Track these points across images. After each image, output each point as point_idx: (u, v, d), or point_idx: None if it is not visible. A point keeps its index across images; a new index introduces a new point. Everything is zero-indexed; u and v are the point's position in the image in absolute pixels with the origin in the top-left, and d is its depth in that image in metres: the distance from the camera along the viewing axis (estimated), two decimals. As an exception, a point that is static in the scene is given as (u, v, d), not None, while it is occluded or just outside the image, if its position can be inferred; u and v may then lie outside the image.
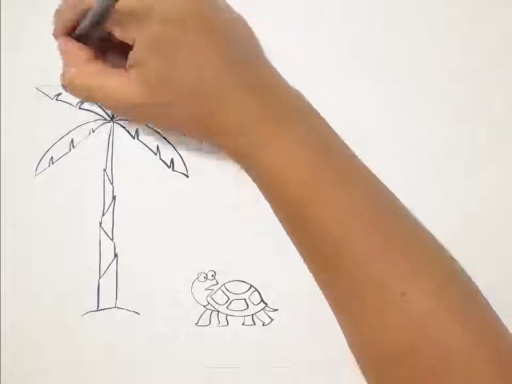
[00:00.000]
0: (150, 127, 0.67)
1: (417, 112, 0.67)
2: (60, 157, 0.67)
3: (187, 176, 0.67)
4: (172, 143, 0.67)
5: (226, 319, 0.65)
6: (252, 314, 0.65)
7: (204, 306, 0.65)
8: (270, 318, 0.65)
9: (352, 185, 0.49)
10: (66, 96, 0.67)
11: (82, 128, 0.68)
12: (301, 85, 0.63)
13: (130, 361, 0.64)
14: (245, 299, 0.65)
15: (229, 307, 0.65)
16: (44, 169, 0.67)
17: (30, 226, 0.66)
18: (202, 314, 0.65)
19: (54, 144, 0.67)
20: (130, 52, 0.46)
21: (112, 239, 0.66)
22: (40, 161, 0.67)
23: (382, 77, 0.68)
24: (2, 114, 0.67)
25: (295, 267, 0.63)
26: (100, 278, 0.66)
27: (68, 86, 0.48)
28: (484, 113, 0.67)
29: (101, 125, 0.68)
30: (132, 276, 0.66)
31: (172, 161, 0.67)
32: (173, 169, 0.67)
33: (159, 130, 0.67)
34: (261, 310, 0.65)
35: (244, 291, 0.65)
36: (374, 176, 0.55)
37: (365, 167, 0.53)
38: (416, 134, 0.67)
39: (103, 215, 0.66)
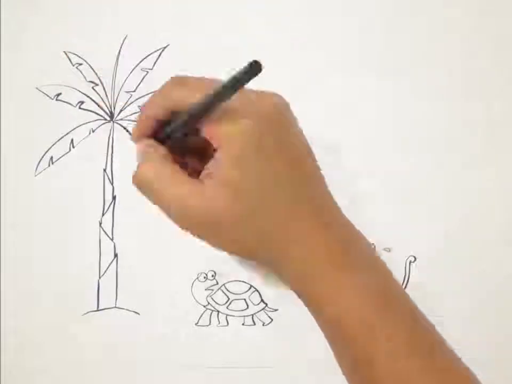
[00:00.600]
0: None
1: (417, 109, 0.67)
2: (60, 157, 0.67)
3: (187, 176, 0.67)
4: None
5: (226, 319, 0.65)
6: (252, 314, 0.65)
7: (204, 306, 0.65)
8: (270, 318, 0.65)
9: (414, 341, 0.45)
10: (66, 96, 0.67)
11: (82, 128, 0.68)
12: (301, 85, 0.63)
13: (130, 361, 0.64)
14: (245, 299, 0.65)
15: (229, 307, 0.65)
16: (44, 169, 0.67)
17: (30, 226, 0.66)
18: (202, 314, 0.65)
19: (54, 144, 0.67)
20: (211, 161, 0.43)
21: (112, 239, 0.66)
22: (40, 161, 0.67)
23: (382, 75, 0.68)
24: (2, 114, 0.67)
25: (295, 267, 0.63)
26: (99, 278, 0.66)
27: (137, 181, 0.46)
28: (483, 111, 0.67)
29: (101, 125, 0.68)
30: (132, 276, 0.66)
31: (172, 161, 0.67)
32: (173, 169, 0.67)
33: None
34: (261, 310, 0.65)
35: (244, 291, 0.65)
36: (435, 333, 0.51)
37: (424, 318, 0.49)
38: (416, 130, 0.67)
39: (103, 215, 0.66)
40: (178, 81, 0.46)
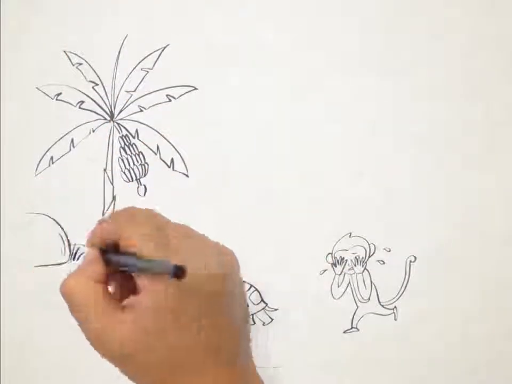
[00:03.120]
0: (151, 127, 0.67)
1: (417, 109, 0.67)
2: (60, 157, 0.67)
3: (187, 176, 0.67)
4: (172, 143, 0.67)
5: (226, 319, 0.65)
6: (252, 314, 0.65)
7: (204, 306, 0.65)
8: (270, 317, 0.65)
9: None
10: (66, 96, 0.67)
11: (82, 128, 0.67)
12: (301, 85, 0.63)
13: (130, 361, 0.64)
14: (245, 299, 0.65)
15: (229, 307, 0.65)
16: (44, 169, 0.67)
17: (30, 226, 0.66)
18: (202, 314, 0.65)
19: (54, 144, 0.67)
20: (136, 295, 0.45)
21: (112, 239, 0.66)
22: (40, 161, 0.67)
23: (382, 75, 0.68)
24: (2, 114, 0.67)
25: (296, 267, 0.63)
26: (100, 278, 0.66)
27: (61, 289, 0.47)
28: (483, 111, 0.67)
29: (101, 125, 0.68)
30: (132, 276, 0.66)
31: (172, 161, 0.67)
32: (173, 169, 0.67)
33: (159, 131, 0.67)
34: (261, 310, 0.65)
35: (244, 291, 0.65)
36: None
37: None
38: (416, 130, 0.67)
39: (103, 215, 0.66)
40: (131, 216, 0.48)
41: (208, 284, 0.44)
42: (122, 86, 0.69)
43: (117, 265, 0.45)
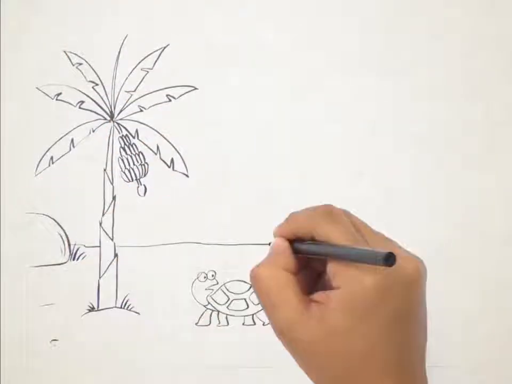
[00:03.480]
0: (151, 127, 0.67)
1: (417, 109, 0.67)
2: (60, 157, 0.67)
3: (187, 176, 0.67)
4: (172, 143, 0.67)
5: (226, 319, 0.65)
6: (252, 314, 0.65)
7: (204, 306, 0.65)
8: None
9: None
10: (66, 95, 0.67)
11: (82, 128, 0.67)
12: (301, 85, 0.63)
13: (130, 361, 0.64)
14: (245, 299, 0.65)
15: (229, 307, 0.65)
16: (44, 169, 0.67)
17: (30, 226, 0.66)
18: (202, 314, 0.65)
19: (54, 144, 0.67)
20: (326, 292, 0.43)
21: (112, 239, 0.66)
22: (40, 161, 0.67)
23: (382, 75, 0.68)
24: (2, 114, 0.67)
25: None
26: (100, 278, 0.66)
27: (251, 277, 0.47)
28: (483, 111, 0.67)
29: (101, 125, 0.68)
30: (132, 276, 0.66)
31: (172, 161, 0.67)
32: (173, 169, 0.67)
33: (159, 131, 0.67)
34: (261, 310, 0.65)
35: (244, 291, 0.65)
36: None
37: None
38: (416, 130, 0.67)
39: (103, 215, 0.66)
40: (328, 214, 0.46)
41: (404, 288, 0.42)
42: (122, 86, 0.69)
43: (309, 253, 0.44)
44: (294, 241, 0.45)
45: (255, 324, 0.65)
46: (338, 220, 0.45)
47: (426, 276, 0.44)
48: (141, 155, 0.68)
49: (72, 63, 0.69)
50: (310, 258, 0.44)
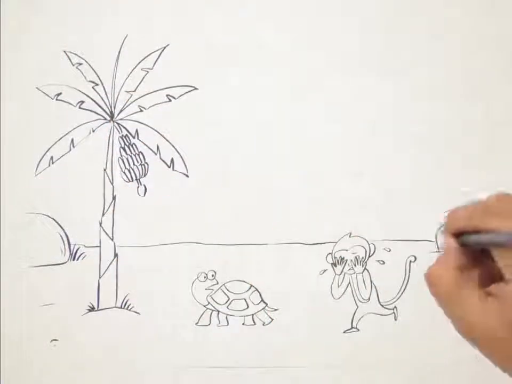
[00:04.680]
0: (151, 127, 0.67)
1: (417, 109, 0.67)
2: (60, 157, 0.67)
3: (187, 176, 0.67)
4: (172, 143, 0.67)
5: (226, 319, 0.65)
6: (252, 314, 0.65)
7: (204, 306, 0.65)
8: (270, 318, 0.65)
9: None
10: (66, 96, 0.67)
11: (82, 128, 0.68)
12: (301, 85, 0.63)
13: (130, 361, 0.64)
14: (245, 299, 0.65)
15: (229, 307, 0.65)
16: (44, 169, 0.67)
17: (30, 226, 0.66)
18: (202, 314, 0.65)
19: (54, 144, 0.67)
20: (501, 283, 0.44)
21: (112, 239, 0.66)
22: (40, 161, 0.67)
23: (382, 75, 0.68)
24: (2, 114, 0.67)
25: (296, 267, 0.63)
26: (100, 278, 0.66)
27: (427, 279, 0.48)
28: (483, 111, 0.67)
29: (101, 125, 0.68)
30: (132, 276, 0.66)
31: (172, 161, 0.67)
32: (173, 169, 0.67)
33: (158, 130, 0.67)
34: (261, 310, 0.65)
35: (244, 291, 0.65)
36: None
37: None
38: (417, 129, 0.67)
39: (103, 215, 0.66)
40: (492, 206, 0.47)
41: None
42: (122, 86, 0.69)
43: (478, 245, 0.45)
44: (462, 235, 0.46)
45: (255, 323, 0.65)
46: (503, 208, 0.45)
47: None
48: (141, 155, 0.68)
49: (72, 63, 0.69)
50: (480, 250, 0.45)
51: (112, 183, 0.66)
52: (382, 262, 0.68)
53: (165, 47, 0.69)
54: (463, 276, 0.45)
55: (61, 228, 0.67)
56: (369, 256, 0.68)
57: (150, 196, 0.67)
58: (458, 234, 0.46)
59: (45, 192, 0.67)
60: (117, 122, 0.68)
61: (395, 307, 0.68)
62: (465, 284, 0.45)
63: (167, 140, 0.67)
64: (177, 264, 0.65)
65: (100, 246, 0.66)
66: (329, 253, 0.67)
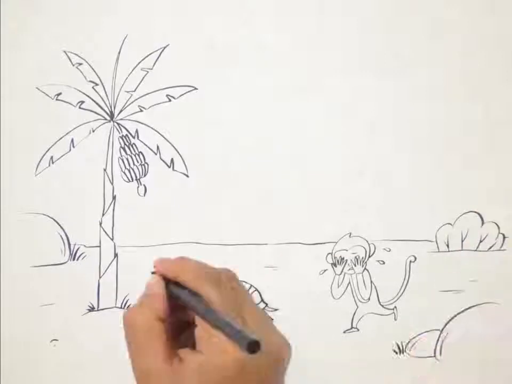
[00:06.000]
0: (151, 127, 0.67)
1: (416, 109, 0.68)
2: (60, 157, 0.67)
3: (187, 176, 0.67)
4: (172, 143, 0.67)
5: (226, 319, 0.65)
6: (252, 314, 0.65)
7: (204, 306, 0.65)
8: (270, 318, 0.65)
9: None
10: (66, 96, 0.67)
11: (82, 128, 0.67)
12: (301, 85, 0.63)
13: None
14: (245, 299, 0.65)
15: (229, 307, 0.65)
16: (44, 169, 0.67)
17: (30, 226, 0.66)
18: (202, 314, 0.65)
19: (54, 144, 0.67)
20: (189, 350, 0.44)
21: (112, 239, 0.66)
22: (40, 161, 0.67)
23: (382, 75, 0.68)
24: (2, 114, 0.67)
25: (296, 267, 0.63)
26: (100, 278, 0.66)
27: (124, 320, 0.46)
28: (483, 111, 0.67)
29: (101, 125, 0.68)
30: (132, 276, 0.66)
31: (172, 161, 0.67)
32: (173, 169, 0.67)
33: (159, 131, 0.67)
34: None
35: (244, 291, 0.65)
36: None
37: None
38: (416, 130, 0.67)
39: (103, 215, 0.66)
40: (219, 277, 0.46)
41: (266, 369, 0.42)
42: (122, 86, 0.69)
43: (183, 302, 0.44)
44: (173, 283, 0.45)
45: (255, 323, 0.65)
46: (225, 285, 0.45)
47: (291, 356, 0.45)
48: (141, 155, 0.68)
49: (72, 63, 0.69)
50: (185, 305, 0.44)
51: (112, 183, 0.66)
52: (382, 262, 0.68)
53: (165, 47, 0.69)
54: (161, 329, 0.44)
55: (61, 228, 0.67)
56: (369, 256, 0.68)
57: (150, 196, 0.67)
58: (169, 282, 0.45)
59: (45, 192, 0.67)
60: (117, 122, 0.68)
61: (395, 307, 0.68)
62: (160, 338, 0.43)
63: (167, 140, 0.67)
64: (177, 264, 0.65)
65: (100, 246, 0.66)
66: (329, 253, 0.67)
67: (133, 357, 0.45)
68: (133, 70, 0.69)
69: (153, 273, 0.47)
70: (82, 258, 0.66)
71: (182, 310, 0.45)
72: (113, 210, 0.66)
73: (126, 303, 0.65)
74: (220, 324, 0.39)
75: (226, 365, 0.40)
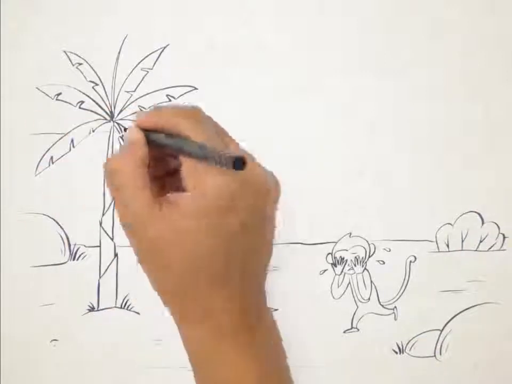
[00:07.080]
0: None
1: (416, 110, 0.68)
2: (60, 157, 0.67)
3: (187, 176, 0.67)
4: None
5: (226, 319, 0.65)
6: (252, 314, 0.65)
7: (204, 306, 0.65)
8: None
9: None
10: (66, 95, 0.67)
11: (82, 128, 0.68)
12: (301, 85, 0.63)
13: (130, 361, 0.64)
14: (245, 299, 0.65)
15: (229, 307, 0.65)
16: (44, 169, 0.67)
17: (30, 226, 0.66)
18: (202, 314, 0.65)
19: (54, 144, 0.67)
20: (180, 193, 0.44)
21: (112, 239, 0.66)
22: (40, 161, 0.67)
23: (382, 75, 0.68)
24: (2, 114, 0.67)
25: (296, 267, 0.63)
26: (100, 278, 0.66)
27: (106, 167, 0.46)
28: (482, 111, 0.67)
29: (101, 125, 0.68)
30: (132, 276, 0.66)
31: (172, 161, 0.67)
32: (173, 169, 0.67)
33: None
34: (261, 310, 0.65)
35: (244, 291, 0.65)
36: None
37: None
38: (416, 130, 0.67)
39: (103, 215, 0.66)
40: (195, 113, 0.46)
41: (253, 198, 0.42)
42: (122, 86, 0.69)
43: (164, 145, 0.44)
44: (152, 132, 0.45)
45: (255, 323, 0.65)
46: (202, 120, 0.44)
47: (279, 192, 0.44)
48: (141, 155, 0.68)
49: (72, 63, 0.69)
50: (167, 152, 0.44)
51: (112, 183, 0.66)
52: (382, 262, 0.68)
53: (165, 47, 0.69)
54: (144, 174, 0.44)
55: (61, 228, 0.67)
56: (369, 256, 0.68)
57: (150, 195, 0.67)
58: (148, 131, 0.45)
59: (45, 192, 0.67)
60: (117, 122, 0.68)
61: (395, 307, 0.68)
62: (145, 184, 0.43)
63: (167, 140, 0.67)
64: (177, 264, 0.65)
65: (100, 246, 0.66)
66: (329, 253, 0.67)
67: (119, 207, 0.44)
68: (133, 70, 0.69)
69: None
70: (82, 258, 0.66)
71: (162, 161, 0.45)
72: (113, 210, 0.66)
73: (126, 303, 0.65)
74: (204, 153, 0.39)
75: (217, 198, 0.40)
